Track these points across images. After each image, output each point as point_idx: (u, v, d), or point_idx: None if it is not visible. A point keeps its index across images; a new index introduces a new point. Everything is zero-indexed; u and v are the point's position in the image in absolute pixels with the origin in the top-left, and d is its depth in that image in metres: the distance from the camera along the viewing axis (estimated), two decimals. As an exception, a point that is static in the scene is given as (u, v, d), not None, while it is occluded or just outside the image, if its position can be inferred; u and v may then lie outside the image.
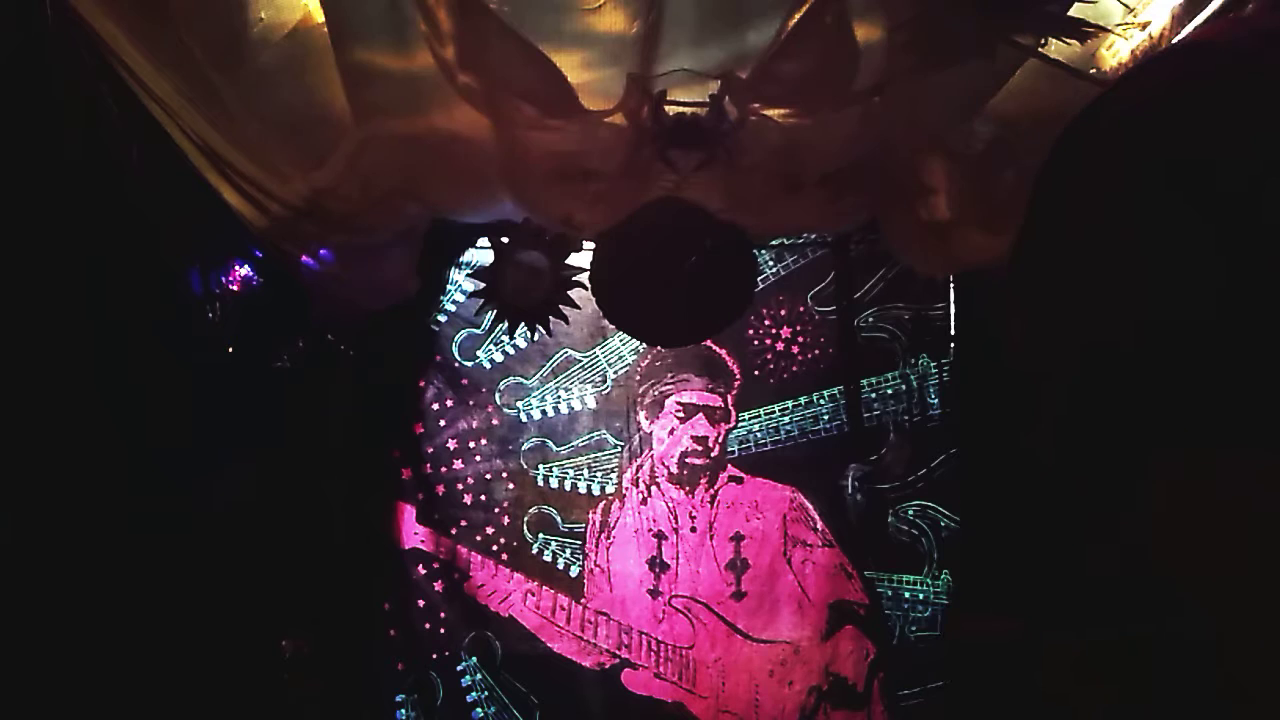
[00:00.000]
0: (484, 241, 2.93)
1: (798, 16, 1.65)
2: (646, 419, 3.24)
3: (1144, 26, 1.79)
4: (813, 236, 3.22)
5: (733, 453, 3.24)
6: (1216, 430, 0.47)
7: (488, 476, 3.21)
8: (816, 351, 3.24)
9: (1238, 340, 0.45)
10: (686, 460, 3.22)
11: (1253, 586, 0.48)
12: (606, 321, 2.95)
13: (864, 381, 3.24)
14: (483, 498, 3.20)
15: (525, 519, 3.20)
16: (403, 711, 3.12)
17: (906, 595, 3.19)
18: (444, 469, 3.20)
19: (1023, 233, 0.58)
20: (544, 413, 3.24)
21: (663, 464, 3.23)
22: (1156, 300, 0.48)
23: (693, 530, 3.20)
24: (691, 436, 3.22)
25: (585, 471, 3.23)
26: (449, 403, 3.22)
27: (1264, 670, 0.48)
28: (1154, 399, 0.49)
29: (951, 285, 3.21)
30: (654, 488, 3.22)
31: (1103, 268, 0.51)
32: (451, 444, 3.21)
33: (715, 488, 3.23)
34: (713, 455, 3.23)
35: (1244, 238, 0.45)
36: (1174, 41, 1.68)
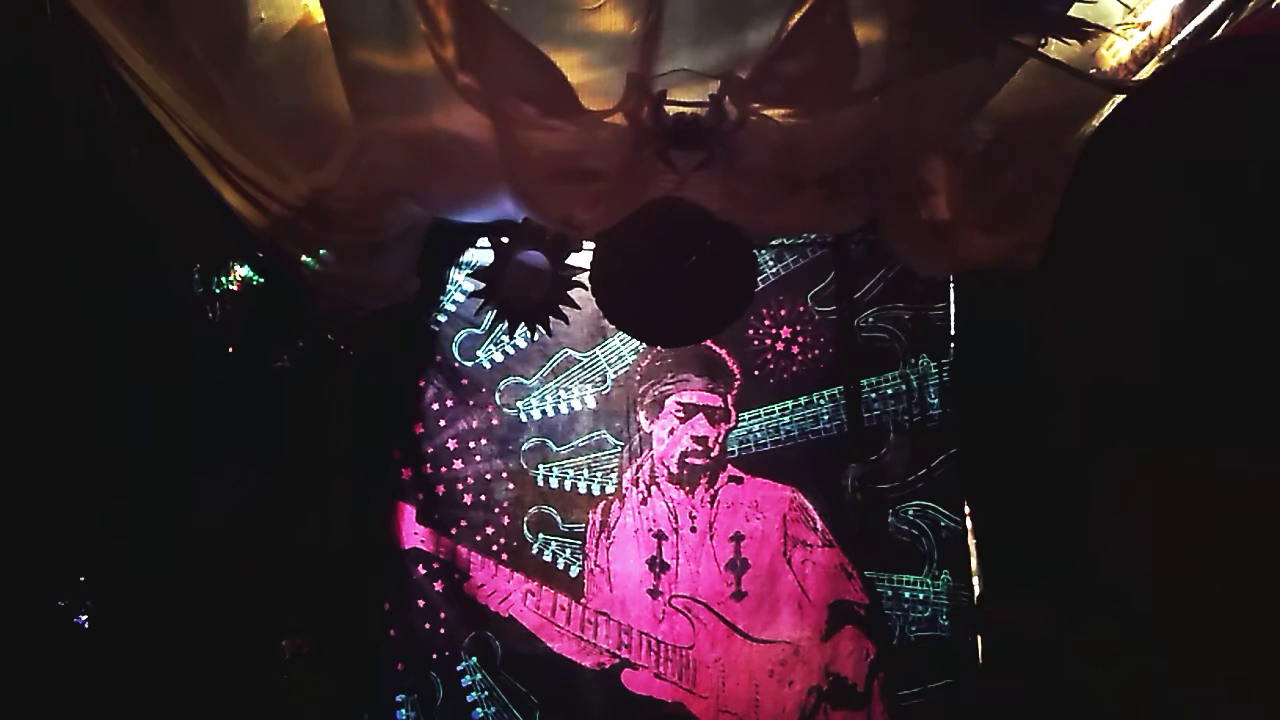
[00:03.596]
0: (484, 241, 2.93)
1: (798, 16, 1.65)
2: (646, 419, 3.24)
3: (1144, 26, 1.79)
4: (813, 236, 3.22)
5: (733, 453, 3.24)
6: (1222, 430, 0.47)
7: (488, 476, 3.21)
8: (816, 351, 3.24)
9: (1252, 342, 0.45)
10: (686, 460, 3.22)
11: (1244, 588, 0.48)
12: (606, 321, 2.95)
13: (864, 381, 3.24)
14: (483, 498, 3.20)
15: (525, 519, 3.20)
16: (403, 711, 3.12)
17: (906, 595, 3.19)
18: (444, 469, 3.20)
19: (1054, 229, 0.58)
20: (544, 413, 3.24)
21: (663, 464, 3.23)
22: (1178, 300, 0.48)
23: (693, 530, 3.20)
24: (691, 436, 3.22)
25: (585, 471, 3.23)
26: (449, 403, 3.22)
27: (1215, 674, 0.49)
28: (1168, 398, 0.49)
29: (951, 285, 3.21)
30: (654, 488, 3.22)
31: (1129, 267, 0.51)
32: (451, 444, 3.21)
33: (715, 488, 3.23)
34: (713, 455, 3.23)
35: (1266, 239, 0.45)
36: (1206, 41, 1.68)
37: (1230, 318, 0.46)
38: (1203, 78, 0.53)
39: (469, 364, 3.23)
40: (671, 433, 3.23)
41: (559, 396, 3.24)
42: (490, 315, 3.04)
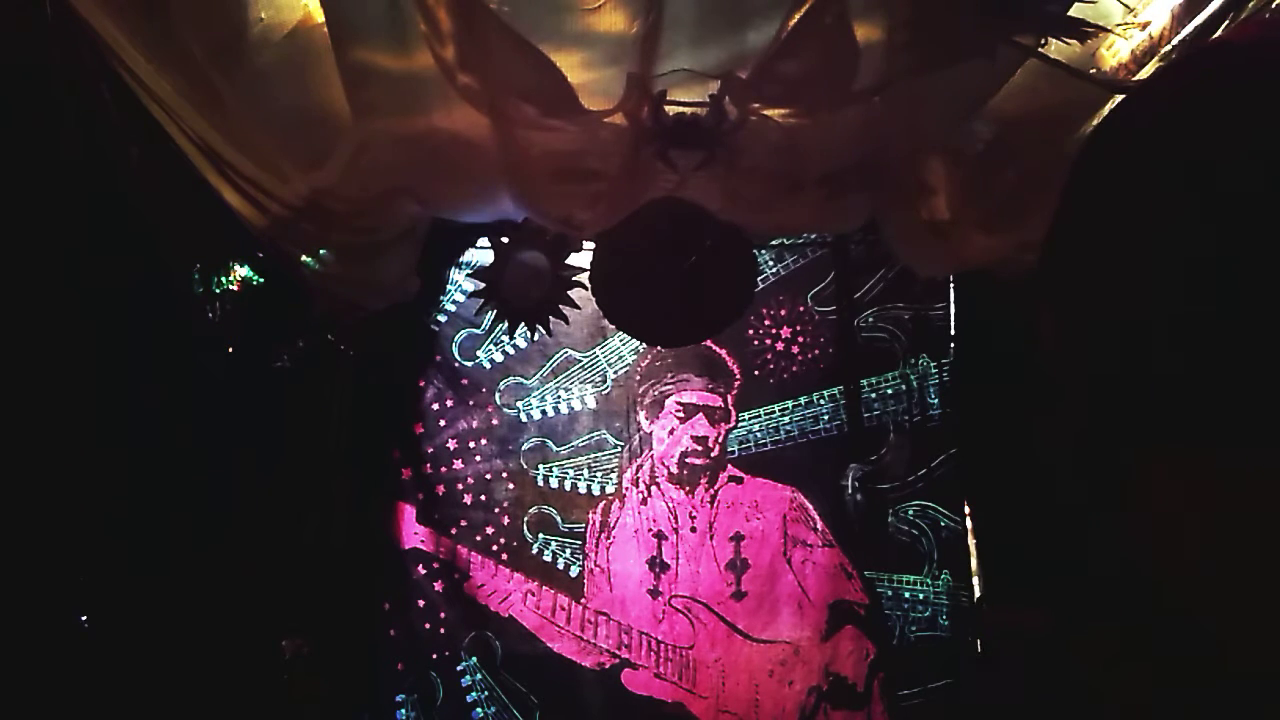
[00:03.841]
0: (484, 241, 2.93)
1: (798, 16, 1.65)
2: (646, 419, 3.24)
3: (1144, 26, 1.79)
4: (813, 236, 3.22)
5: (733, 453, 3.24)
6: (1223, 429, 0.47)
7: (488, 476, 3.21)
8: (816, 351, 3.24)
9: (1250, 340, 0.45)
10: (686, 460, 3.22)
11: (1246, 587, 0.48)
12: (606, 321, 2.95)
13: (864, 381, 3.24)
14: (483, 498, 3.20)
15: (525, 519, 3.20)
16: (403, 711, 3.12)
17: (906, 595, 3.19)
18: (444, 469, 3.20)
19: (1053, 229, 0.58)
20: (544, 413, 3.24)
21: (663, 464, 3.23)
22: (1178, 300, 0.48)
23: (693, 530, 3.20)
24: (691, 436, 3.22)
25: (585, 471, 3.23)
26: (449, 403, 3.22)
27: (1252, 666, 0.49)
28: (1167, 398, 0.49)
29: (951, 285, 3.21)
30: (654, 488, 3.22)
31: (1128, 267, 0.51)
32: (451, 444, 3.21)
33: (715, 488, 3.23)
34: (713, 455, 3.23)
35: (1266, 239, 0.45)
36: (1209, 40, 1.68)
37: (1229, 317, 0.46)
38: (1201, 78, 0.53)
39: (469, 364, 3.23)
40: (671, 433, 3.23)
41: (559, 396, 3.24)
42: (490, 315, 3.04)
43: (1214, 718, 0.52)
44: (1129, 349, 0.51)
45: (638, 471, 3.23)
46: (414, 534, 3.17)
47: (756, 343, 3.24)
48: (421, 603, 3.15)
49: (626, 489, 3.22)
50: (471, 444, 3.22)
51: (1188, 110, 0.51)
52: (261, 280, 2.60)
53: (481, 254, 3.01)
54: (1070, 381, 0.55)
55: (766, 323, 3.24)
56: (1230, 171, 0.47)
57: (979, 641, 3.12)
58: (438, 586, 3.15)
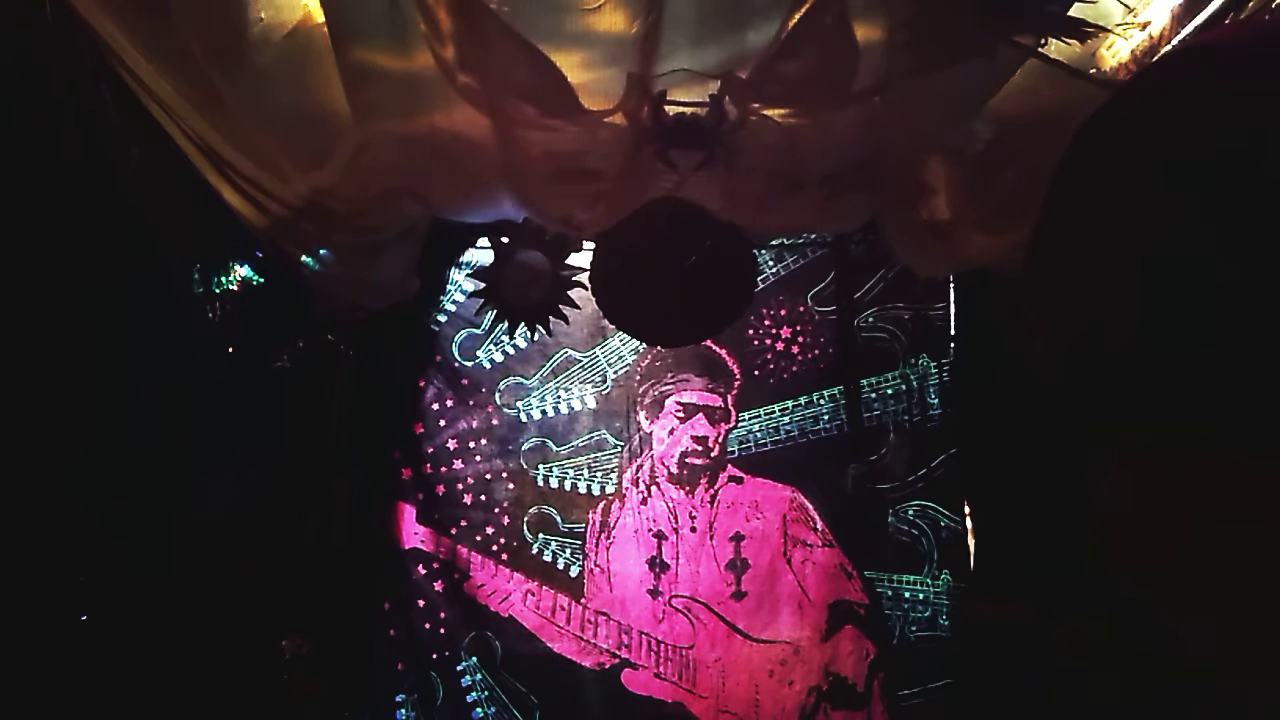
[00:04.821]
0: (484, 241, 2.93)
1: (798, 16, 1.65)
2: (646, 419, 3.24)
3: (1144, 26, 1.79)
4: (813, 236, 3.22)
5: (733, 453, 3.24)
6: (1211, 430, 0.47)
7: (488, 476, 3.21)
8: (816, 351, 3.24)
9: (1238, 341, 0.45)
10: (686, 460, 3.22)
11: (1204, 587, 0.48)
12: (606, 321, 2.95)
13: (864, 381, 3.24)
14: (483, 498, 3.20)
15: (525, 519, 3.20)
16: (403, 711, 3.12)
17: (906, 595, 3.19)
18: (444, 469, 3.20)
19: (1038, 231, 0.58)
20: (544, 413, 3.24)
21: (663, 464, 3.23)
22: (1162, 298, 0.48)
23: (693, 530, 3.20)
24: (691, 436, 3.22)
25: (585, 471, 3.23)
26: (449, 403, 3.22)
27: (1222, 669, 0.49)
28: (1158, 398, 0.49)
29: (951, 285, 3.21)
30: (654, 488, 3.22)
31: (1115, 267, 0.51)
32: (451, 444, 3.21)
33: (715, 488, 3.23)
34: (713, 455, 3.23)
35: (1253, 238, 0.45)
36: (1187, 41, 1.68)
37: (1219, 315, 0.46)
38: (1183, 78, 0.53)
39: (469, 364, 3.23)
40: (671, 433, 3.23)
41: (559, 396, 3.24)
42: (490, 315, 3.04)
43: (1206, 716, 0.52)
44: (1098, 348, 0.51)
45: (638, 471, 3.23)
46: (414, 534, 3.17)
47: (756, 343, 3.24)
48: (421, 603, 3.15)
49: (626, 489, 3.22)
50: (471, 444, 3.22)
51: (1168, 111, 0.51)
52: (261, 280, 2.61)
53: (481, 254, 3.01)
54: (1062, 382, 0.56)
55: (766, 323, 3.24)
56: (1211, 171, 0.47)
57: (965, 634, 3.12)
58: (438, 586, 3.15)
